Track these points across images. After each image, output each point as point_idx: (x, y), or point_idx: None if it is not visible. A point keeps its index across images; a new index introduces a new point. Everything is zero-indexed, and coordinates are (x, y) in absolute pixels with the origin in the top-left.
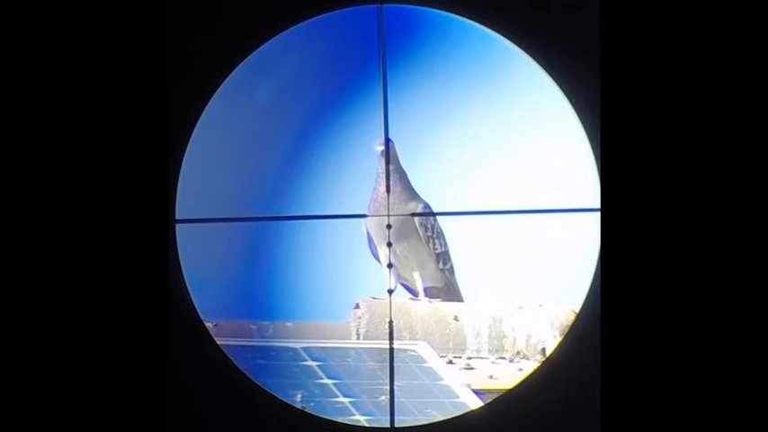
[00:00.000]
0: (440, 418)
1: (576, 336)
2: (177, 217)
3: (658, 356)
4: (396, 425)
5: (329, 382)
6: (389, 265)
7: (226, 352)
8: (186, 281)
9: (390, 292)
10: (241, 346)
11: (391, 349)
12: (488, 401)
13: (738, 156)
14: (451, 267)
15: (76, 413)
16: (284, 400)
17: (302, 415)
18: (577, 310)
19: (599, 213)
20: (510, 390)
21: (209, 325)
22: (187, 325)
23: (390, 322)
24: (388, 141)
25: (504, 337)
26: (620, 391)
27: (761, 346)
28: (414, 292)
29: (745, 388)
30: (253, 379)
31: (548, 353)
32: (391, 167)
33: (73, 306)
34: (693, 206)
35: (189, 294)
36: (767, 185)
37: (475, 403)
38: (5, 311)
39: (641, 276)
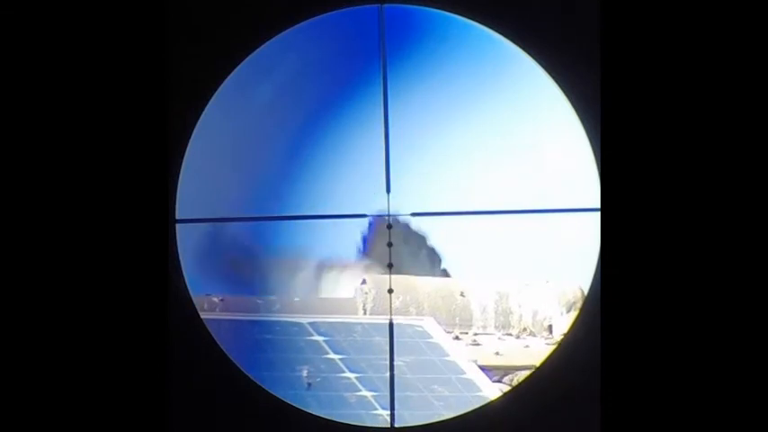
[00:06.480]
0: (446, 393)
1: (575, 336)
2: (177, 217)
3: (658, 356)
4: (396, 425)
5: (335, 357)
6: (389, 265)
7: (225, 351)
8: (186, 280)
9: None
10: (248, 320)
11: (392, 352)
12: (488, 402)
13: (738, 155)
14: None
15: (77, 412)
16: (284, 399)
17: (302, 414)
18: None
19: (599, 213)
20: (508, 391)
21: (215, 299)
22: (187, 324)
23: (392, 319)
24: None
25: (511, 313)
26: (620, 392)
27: (761, 345)
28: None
29: (745, 387)
30: (253, 378)
31: (554, 330)
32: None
33: (73, 305)
34: (693, 205)
35: (189, 294)
36: (767, 185)
37: (481, 380)
38: (6, 310)
39: (641, 276)
